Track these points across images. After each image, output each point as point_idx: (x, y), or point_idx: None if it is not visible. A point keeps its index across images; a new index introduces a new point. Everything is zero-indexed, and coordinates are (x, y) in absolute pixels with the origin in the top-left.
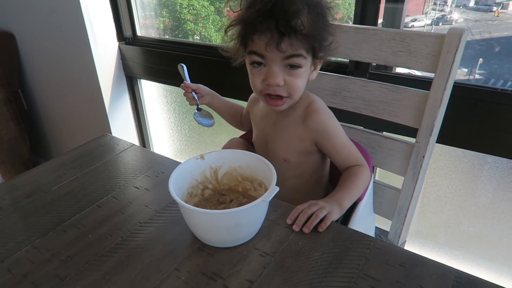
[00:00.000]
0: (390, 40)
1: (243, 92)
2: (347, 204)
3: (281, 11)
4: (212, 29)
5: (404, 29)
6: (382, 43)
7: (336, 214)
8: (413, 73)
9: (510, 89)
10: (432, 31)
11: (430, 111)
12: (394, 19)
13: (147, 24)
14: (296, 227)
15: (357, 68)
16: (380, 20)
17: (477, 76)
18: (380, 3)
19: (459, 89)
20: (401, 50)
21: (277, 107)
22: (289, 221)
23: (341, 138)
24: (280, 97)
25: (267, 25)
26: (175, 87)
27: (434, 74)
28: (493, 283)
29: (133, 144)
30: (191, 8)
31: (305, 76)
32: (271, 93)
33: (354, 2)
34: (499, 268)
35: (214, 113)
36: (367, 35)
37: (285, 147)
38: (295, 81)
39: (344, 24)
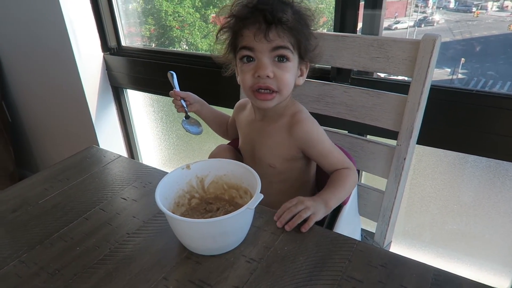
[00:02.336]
0: (368, 47)
1: (228, 101)
2: (333, 204)
3: (267, 4)
4: (198, 35)
5: (383, 34)
6: (361, 50)
7: (321, 214)
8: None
9: (485, 90)
10: (415, 33)
11: (409, 114)
12: (373, 24)
13: (132, 31)
14: (279, 224)
15: (339, 74)
16: (360, 25)
17: (460, 76)
18: (358, 9)
19: (437, 91)
20: (379, 56)
21: (266, 102)
22: (276, 218)
23: (326, 144)
24: (269, 91)
25: (255, 18)
26: (161, 96)
27: (411, 78)
28: (469, 279)
29: (120, 155)
30: (177, 15)
31: (293, 72)
32: (261, 85)
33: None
34: (482, 264)
35: (201, 121)
36: (346, 42)
37: (270, 153)
38: (284, 74)
39: (325, 32)
